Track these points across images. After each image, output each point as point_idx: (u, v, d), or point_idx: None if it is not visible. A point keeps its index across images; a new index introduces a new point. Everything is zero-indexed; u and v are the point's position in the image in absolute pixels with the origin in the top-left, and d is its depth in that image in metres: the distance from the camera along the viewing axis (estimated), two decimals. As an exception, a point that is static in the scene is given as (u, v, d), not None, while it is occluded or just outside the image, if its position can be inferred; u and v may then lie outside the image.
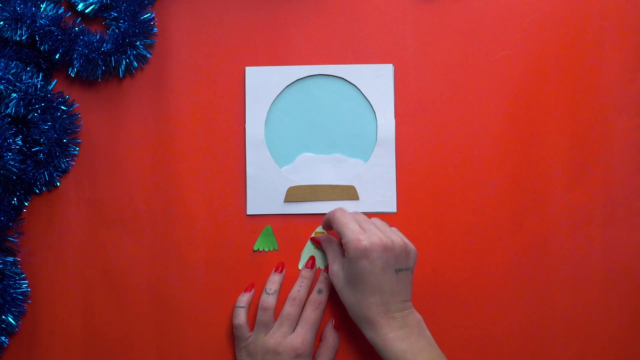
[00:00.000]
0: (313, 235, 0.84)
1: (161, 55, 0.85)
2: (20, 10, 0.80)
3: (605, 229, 0.83)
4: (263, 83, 0.84)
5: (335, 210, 0.79)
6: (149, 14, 0.83)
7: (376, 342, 0.74)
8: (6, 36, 0.80)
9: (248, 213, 0.84)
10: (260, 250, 0.83)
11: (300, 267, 0.84)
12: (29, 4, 0.80)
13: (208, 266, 0.83)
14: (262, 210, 0.84)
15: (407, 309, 0.75)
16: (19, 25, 0.80)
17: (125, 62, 0.83)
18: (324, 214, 0.82)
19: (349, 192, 0.83)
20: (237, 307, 0.82)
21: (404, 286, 0.76)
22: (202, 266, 0.83)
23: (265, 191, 0.84)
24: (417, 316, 0.76)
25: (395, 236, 0.76)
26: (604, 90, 0.84)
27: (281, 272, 0.83)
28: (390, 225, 0.81)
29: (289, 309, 0.80)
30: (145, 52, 0.83)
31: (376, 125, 0.84)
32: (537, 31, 0.85)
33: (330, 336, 0.82)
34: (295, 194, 0.83)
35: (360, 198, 0.83)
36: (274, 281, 0.82)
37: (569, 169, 0.84)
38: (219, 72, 0.84)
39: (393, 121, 0.84)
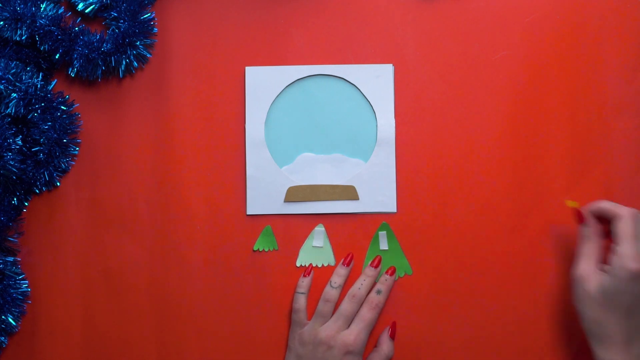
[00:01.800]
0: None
1: (161, 55, 0.85)
2: (20, 10, 0.80)
3: (605, 229, 0.83)
4: (263, 83, 0.84)
5: (626, 210, 0.72)
6: (149, 14, 0.83)
7: None
8: (6, 36, 0.80)
9: (248, 213, 0.83)
10: (260, 250, 0.83)
11: (297, 265, 0.83)
12: (29, 4, 0.80)
13: (208, 266, 0.83)
14: (262, 210, 0.84)
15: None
16: (19, 25, 0.80)
17: (125, 62, 0.83)
18: (324, 214, 0.82)
19: (348, 192, 0.83)
20: (298, 292, 0.82)
21: None
22: (202, 266, 0.83)
23: (265, 191, 0.83)
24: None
25: None
26: (604, 90, 0.84)
27: (348, 265, 0.83)
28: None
29: (347, 305, 0.80)
30: (145, 52, 0.83)
31: (376, 125, 0.84)
32: (537, 31, 0.85)
33: (385, 344, 0.81)
34: (295, 194, 0.83)
35: (360, 198, 0.83)
36: (340, 275, 0.82)
37: (569, 169, 0.83)
38: (218, 72, 0.85)
39: (393, 121, 0.84)
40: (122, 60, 0.82)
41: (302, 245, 0.84)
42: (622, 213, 0.72)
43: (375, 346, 0.82)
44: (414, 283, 0.82)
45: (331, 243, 0.84)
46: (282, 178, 0.84)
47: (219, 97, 0.84)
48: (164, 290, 0.84)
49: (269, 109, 0.84)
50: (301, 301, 0.82)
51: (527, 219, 0.83)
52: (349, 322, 0.79)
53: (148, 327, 0.84)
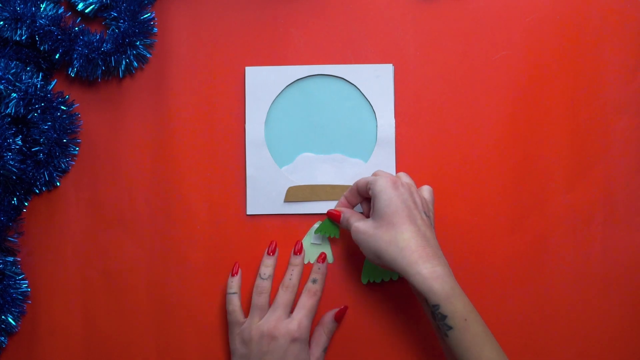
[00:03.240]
0: (314, 231, 0.84)
1: (161, 55, 0.85)
2: (20, 10, 0.80)
3: (605, 229, 0.83)
4: (263, 83, 0.84)
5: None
6: (149, 14, 0.83)
7: (423, 275, 0.69)
8: (6, 36, 0.80)
9: (248, 213, 0.83)
10: (322, 234, 0.83)
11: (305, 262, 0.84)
12: (29, 4, 0.80)
13: (208, 266, 0.83)
14: (262, 210, 0.84)
15: (441, 252, 0.73)
16: (19, 25, 0.80)
17: (125, 62, 0.83)
18: (324, 214, 0.82)
19: (348, 192, 0.83)
20: (229, 293, 0.81)
21: (433, 229, 0.74)
22: (202, 266, 0.83)
23: (265, 191, 0.84)
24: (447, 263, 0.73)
25: (416, 189, 0.76)
26: (604, 90, 0.84)
27: (274, 254, 0.83)
28: None
29: (283, 294, 0.79)
30: (145, 52, 0.83)
31: (376, 125, 0.84)
32: (537, 31, 0.85)
33: (329, 320, 0.81)
34: (295, 194, 0.83)
35: (360, 198, 0.83)
36: (267, 265, 0.82)
37: (569, 169, 0.84)
38: (218, 72, 0.85)
39: (393, 121, 0.84)
40: (122, 60, 0.82)
41: (304, 237, 0.84)
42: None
43: (318, 324, 0.82)
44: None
45: (330, 241, 0.84)
46: (282, 178, 0.84)
47: (218, 97, 0.84)
48: (164, 290, 0.84)
49: (269, 109, 0.84)
50: (234, 301, 0.81)
51: (527, 219, 0.83)
52: (288, 311, 0.79)
53: (148, 327, 0.84)
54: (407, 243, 0.71)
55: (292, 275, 0.81)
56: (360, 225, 0.75)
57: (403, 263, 0.70)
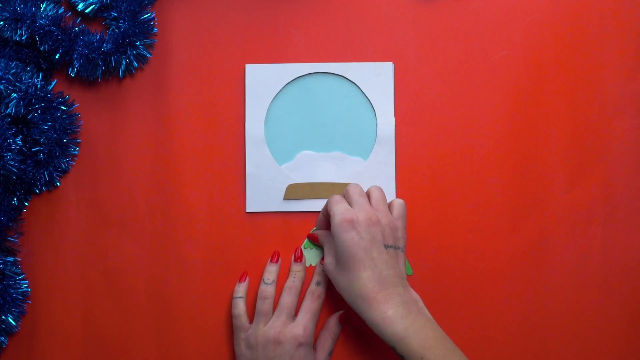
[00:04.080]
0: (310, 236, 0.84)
1: (161, 55, 0.85)
2: (20, 10, 0.80)
3: (605, 229, 0.83)
4: (263, 81, 0.84)
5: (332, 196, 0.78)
6: (149, 14, 0.83)
7: (375, 321, 0.71)
8: (6, 36, 0.80)
9: (247, 210, 0.83)
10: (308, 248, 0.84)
11: (306, 265, 0.84)
12: (29, 4, 0.80)
13: (207, 264, 0.83)
14: (262, 207, 0.84)
15: (403, 286, 0.74)
16: (19, 25, 0.80)
17: (125, 62, 0.83)
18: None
19: (348, 190, 0.83)
20: (235, 297, 0.82)
21: (396, 263, 0.75)
22: (201, 264, 0.83)
23: (265, 189, 0.83)
24: (414, 295, 0.75)
25: (384, 213, 0.75)
26: (604, 90, 0.84)
27: (277, 262, 0.83)
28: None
29: (286, 297, 0.79)
30: (145, 52, 0.83)
31: (376, 124, 0.84)
32: (537, 31, 0.85)
33: (334, 324, 0.81)
34: (294, 192, 0.83)
35: (359, 196, 0.83)
36: (270, 271, 0.82)
37: (569, 169, 0.84)
38: (218, 70, 0.85)
39: (393, 119, 0.84)
40: (122, 60, 0.82)
41: (302, 243, 0.84)
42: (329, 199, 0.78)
43: (323, 328, 0.82)
44: (413, 283, 0.82)
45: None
46: (282, 176, 0.84)
47: (218, 95, 0.84)
48: (164, 289, 0.84)
49: (269, 106, 0.84)
50: (240, 306, 0.81)
51: (527, 219, 0.83)
52: (292, 314, 0.79)
53: (148, 327, 0.83)
54: (359, 291, 0.72)
55: (295, 279, 0.81)
56: (326, 265, 0.77)
57: (359, 310, 0.73)
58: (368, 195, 0.78)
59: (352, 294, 0.73)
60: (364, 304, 0.72)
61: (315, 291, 0.80)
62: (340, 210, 0.74)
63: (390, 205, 0.78)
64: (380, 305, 0.71)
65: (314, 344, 0.80)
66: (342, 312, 0.82)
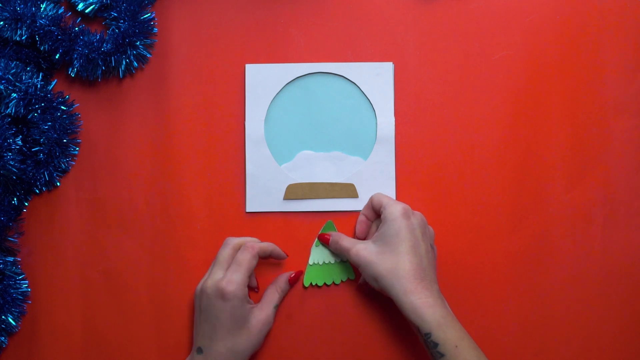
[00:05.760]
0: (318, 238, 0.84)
1: (161, 55, 0.85)
2: (20, 10, 0.80)
3: (605, 229, 0.83)
4: (263, 81, 0.84)
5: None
6: (149, 14, 0.83)
7: (415, 305, 0.72)
8: (6, 36, 0.80)
9: (247, 210, 0.83)
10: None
11: (310, 263, 0.83)
12: (29, 4, 0.80)
13: (207, 264, 0.83)
14: (262, 207, 0.84)
15: (437, 286, 0.75)
16: (19, 25, 0.80)
17: (125, 62, 0.83)
18: (323, 211, 0.83)
19: (348, 190, 0.83)
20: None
21: (434, 262, 0.78)
22: (201, 264, 0.83)
23: (265, 189, 0.84)
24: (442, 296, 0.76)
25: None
26: (604, 90, 0.84)
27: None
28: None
29: (221, 250, 0.80)
30: (145, 52, 0.83)
31: (376, 123, 0.84)
32: (537, 31, 0.85)
33: (284, 281, 0.82)
34: (294, 192, 0.83)
35: (359, 196, 0.83)
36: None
37: (569, 169, 0.84)
38: (218, 70, 0.85)
39: (393, 119, 0.84)
40: (122, 60, 0.82)
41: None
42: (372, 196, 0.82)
43: (272, 283, 0.82)
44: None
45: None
46: (282, 176, 0.84)
47: (218, 95, 0.84)
48: (164, 290, 0.84)
49: (269, 106, 0.84)
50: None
51: (527, 219, 0.83)
52: (224, 267, 0.79)
53: (148, 327, 0.83)
54: (405, 273, 0.74)
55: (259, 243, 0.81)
56: (362, 250, 0.77)
57: (399, 292, 0.73)
58: None
59: (396, 275, 0.74)
60: (407, 286, 0.73)
61: (248, 243, 0.79)
62: (397, 201, 0.78)
63: None
64: (424, 290, 0.73)
65: (258, 297, 0.81)
66: (294, 273, 0.83)
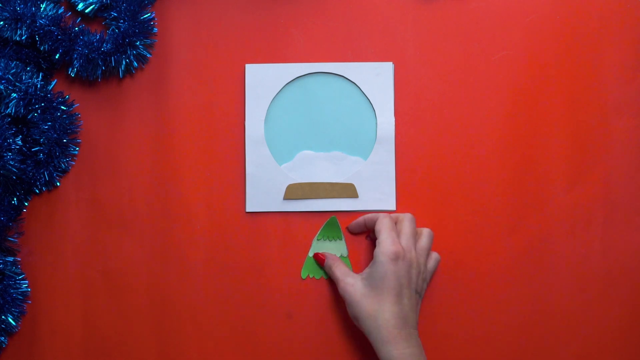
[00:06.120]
0: (311, 255, 0.84)
1: (161, 55, 0.85)
2: (20, 10, 0.80)
3: (605, 229, 0.83)
4: (263, 81, 0.84)
5: (382, 214, 0.81)
6: (149, 14, 0.83)
7: (393, 356, 0.73)
8: (6, 36, 0.80)
9: (247, 210, 0.83)
10: (324, 239, 0.84)
11: (310, 254, 0.84)
12: (29, 4, 0.80)
13: (207, 264, 0.83)
14: (262, 207, 0.84)
15: (416, 333, 0.76)
16: (19, 25, 0.80)
17: (125, 62, 0.83)
18: (323, 211, 0.83)
19: (348, 190, 0.83)
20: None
21: (416, 308, 0.77)
22: (201, 264, 0.83)
23: (265, 189, 0.83)
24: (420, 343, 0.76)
25: (423, 259, 0.78)
26: (604, 90, 0.84)
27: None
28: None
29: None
30: (145, 52, 0.83)
31: (376, 123, 0.84)
32: (537, 31, 0.85)
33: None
34: (294, 192, 0.83)
35: (359, 196, 0.83)
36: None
37: (569, 169, 0.84)
38: (218, 69, 0.85)
39: (393, 119, 0.84)
40: (122, 60, 0.82)
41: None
42: (379, 215, 0.81)
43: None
44: (413, 283, 0.82)
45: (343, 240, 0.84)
46: (282, 176, 0.84)
47: (218, 95, 0.84)
48: (164, 290, 0.84)
49: (269, 106, 0.84)
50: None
51: (527, 219, 0.83)
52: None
53: (148, 327, 0.83)
54: (385, 323, 0.74)
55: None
56: (349, 286, 0.78)
57: (377, 340, 0.74)
58: (399, 224, 0.80)
59: (375, 322, 0.74)
60: (386, 335, 0.73)
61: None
62: (390, 239, 0.76)
63: (418, 233, 0.81)
64: (401, 342, 0.73)
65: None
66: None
